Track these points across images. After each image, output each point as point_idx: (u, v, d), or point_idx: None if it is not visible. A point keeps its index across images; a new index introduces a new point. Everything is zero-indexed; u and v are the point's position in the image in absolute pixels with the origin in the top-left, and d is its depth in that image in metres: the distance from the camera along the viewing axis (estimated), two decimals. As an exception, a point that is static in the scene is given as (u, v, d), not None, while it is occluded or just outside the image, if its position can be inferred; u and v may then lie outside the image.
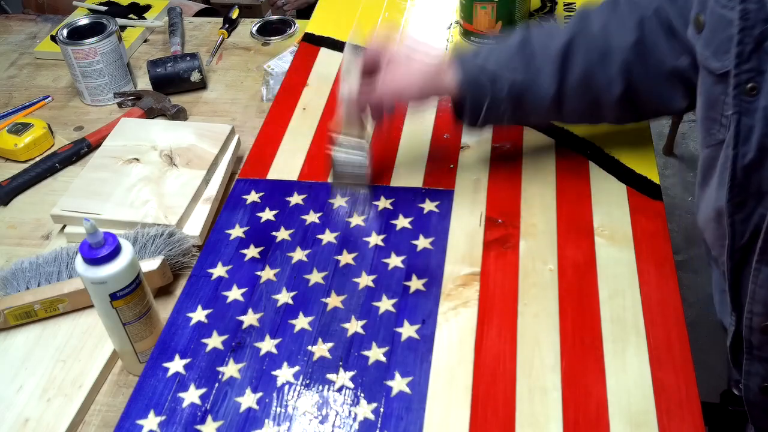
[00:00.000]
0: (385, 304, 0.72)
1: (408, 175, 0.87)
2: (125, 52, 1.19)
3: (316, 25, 1.19)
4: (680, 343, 0.66)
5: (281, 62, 1.18)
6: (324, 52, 1.12)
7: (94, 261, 0.64)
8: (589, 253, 0.75)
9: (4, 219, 0.97)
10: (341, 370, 0.66)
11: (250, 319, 0.72)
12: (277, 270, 0.76)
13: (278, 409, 0.63)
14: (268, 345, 0.69)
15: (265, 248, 0.79)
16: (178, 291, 0.79)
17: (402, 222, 0.81)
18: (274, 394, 0.65)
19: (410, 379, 0.65)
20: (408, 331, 0.69)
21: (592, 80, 0.77)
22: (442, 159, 0.89)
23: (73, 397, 0.71)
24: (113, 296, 0.66)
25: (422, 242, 0.78)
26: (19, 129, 1.07)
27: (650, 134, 0.91)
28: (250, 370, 0.67)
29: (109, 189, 0.91)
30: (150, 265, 0.79)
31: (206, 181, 0.94)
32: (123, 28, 1.33)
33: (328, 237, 0.80)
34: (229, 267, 0.77)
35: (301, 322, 0.71)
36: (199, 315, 0.72)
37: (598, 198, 0.82)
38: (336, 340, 0.69)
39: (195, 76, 1.18)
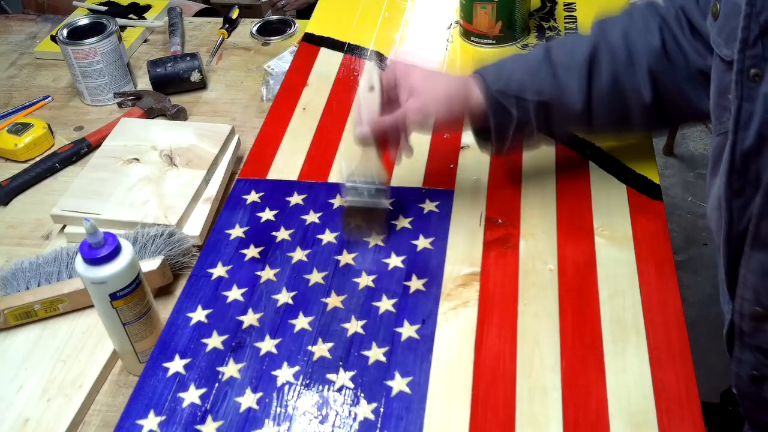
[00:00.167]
0: (385, 304, 0.72)
1: (408, 175, 0.87)
2: (125, 52, 1.19)
3: (316, 25, 1.19)
4: (680, 343, 0.66)
5: (281, 62, 1.18)
6: (324, 52, 1.12)
7: (94, 261, 0.64)
8: (589, 253, 0.75)
9: (4, 219, 0.97)
10: (341, 370, 0.66)
11: (250, 319, 0.72)
12: (277, 270, 0.76)
13: (278, 409, 0.63)
14: (268, 345, 0.69)
15: (265, 248, 0.79)
16: (178, 291, 0.79)
17: (402, 222, 0.81)
18: (274, 394, 0.65)
19: (410, 379, 0.65)
20: (408, 331, 0.69)
21: (620, 87, 0.76)
22: (442, 159, 0.89)
23: (73, 397, 0.71)
24: (113, 296, 0.66)
25: (422, 242, 0.78)
26: (19, 129, 1.07)
27: (650, 134, 0.91)
28: (250, 370, 0.67)
29: (109, 189, 0.91)
30: (150, 265, 0.79)
31: (206, 181, 0.94)
32: (123, 28, 1.33)
33: (328, 237, 0.80)
34: (229, 267, 0.77)
35: (301, 322, 0.71)
36: (199, 315, 0.72)
37: (598, 198, 0.82)
38: (336, 340, 0.69)
39: (195, 76, 1.18)
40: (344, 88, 1.03)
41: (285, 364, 0.67)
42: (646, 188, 0.83)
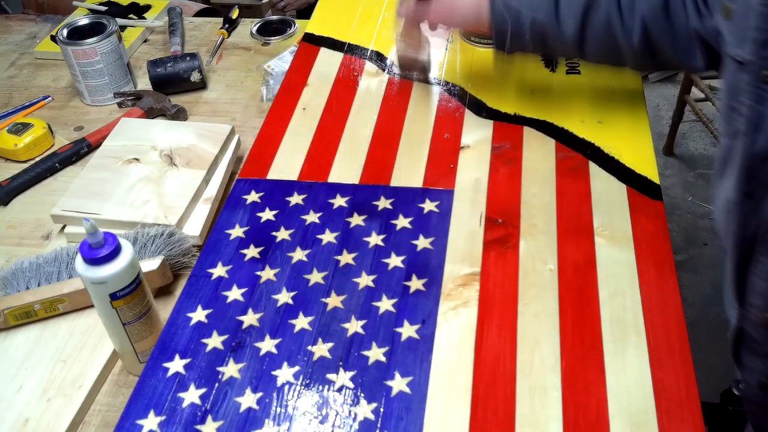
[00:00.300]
0: (385, 304, 0.72)
1: (408, 175, 0.87)
2: (125, 52, 1.19)
3: (316, 25, 1.19)
4: (680, 343, 0.66)
5: (281, 62, 1.18)
6: (324, 52, 1.12)
7: (94, 261, 0.64)
8: (589, 253, 0.75)
9: (4, 219, 0.97)
10: (341, 370, 0.66)
11: (250, 319, 0.72)
12: (277, 270, 0.76)
13: (278, 409, 0.63)
14: (268, 345, 0.69)
15: (265, 248, 0.79)
16: (178, 291, 0.79)
17: (402, 222, 0.81)
18: (274, 394, 0.65)
19: (410, 379, 0.65)
20: (408, 331, 0.69)
21: (612, 28, 0.81)
22: (442, 159, 0.89)
23: (73, 397, 0.71)
24: (113, 296, 0.66)
25: (422, 242, 0.78)
26: (19, 129, 1.07)
27: (650, 134, 0.91)
28: (250, 370, 0.67)
29: (109, 189, 0.91)
30: (150, 265, 0.79)
31: (206, 181, 0.94)
32: (123, 28, 1.33)
33: (328, 237, 0.80)
34: (229, 267, 0.77)
35: (301, 322, 0.71)
36: (199, 315, 0.72)
37: (598, 198, 0.82)
38: (336, 340, 0.69)
39: (195, 76, 1.18)
40: (344, 88, 1.04)
41: (285, 364, 0.67)
42: (646, 188, 0.83)
